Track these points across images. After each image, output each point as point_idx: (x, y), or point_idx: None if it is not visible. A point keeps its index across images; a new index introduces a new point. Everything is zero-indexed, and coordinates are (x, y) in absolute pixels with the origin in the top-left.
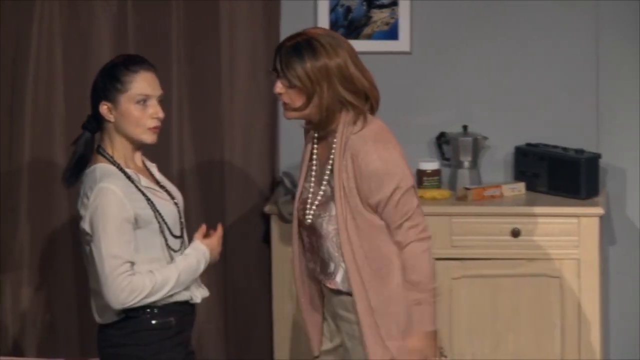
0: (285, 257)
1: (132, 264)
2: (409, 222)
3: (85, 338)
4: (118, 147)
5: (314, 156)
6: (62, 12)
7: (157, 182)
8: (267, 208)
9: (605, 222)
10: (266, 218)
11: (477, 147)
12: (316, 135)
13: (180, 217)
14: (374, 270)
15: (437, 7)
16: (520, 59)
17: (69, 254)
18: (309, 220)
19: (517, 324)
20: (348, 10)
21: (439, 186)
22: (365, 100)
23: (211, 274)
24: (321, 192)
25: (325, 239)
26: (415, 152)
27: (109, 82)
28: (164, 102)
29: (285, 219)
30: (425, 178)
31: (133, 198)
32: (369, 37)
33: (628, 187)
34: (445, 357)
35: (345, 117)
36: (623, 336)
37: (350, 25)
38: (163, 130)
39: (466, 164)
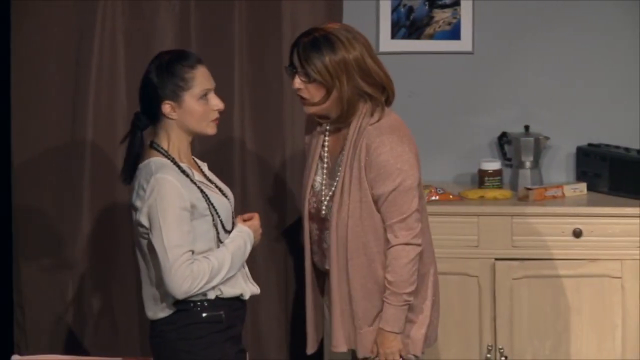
0: None
1: (193, 252)
2: (403, 223)
3: (146, 336)
4: (174, 142)
5: (325, 149)
6: (125, 11)
7: (208, 179)
8: None
9: None
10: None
11: (538, 147)
12: (327, 128)
13: (232, 213)
14: (367, 261)
15: (499, 6)
16: (582, 58)
17: (130, 252)
18: (324, 212)
19: (577, 325)
20: (410, 10)
21: (500, 186)
22: (382, 91)
23: (271, 273)
24: (335, 184)
25: None
26: (476, 152)
27: (169, 81)
28: (226, 101)
29: None
30: (486, 178)
31: (189, 189)
32: (431, 37)
33: None
34: (506, 357)
35: (362, 109)
36: None
37: (412, 25)
38: (225, 128)
39: (528, 164)
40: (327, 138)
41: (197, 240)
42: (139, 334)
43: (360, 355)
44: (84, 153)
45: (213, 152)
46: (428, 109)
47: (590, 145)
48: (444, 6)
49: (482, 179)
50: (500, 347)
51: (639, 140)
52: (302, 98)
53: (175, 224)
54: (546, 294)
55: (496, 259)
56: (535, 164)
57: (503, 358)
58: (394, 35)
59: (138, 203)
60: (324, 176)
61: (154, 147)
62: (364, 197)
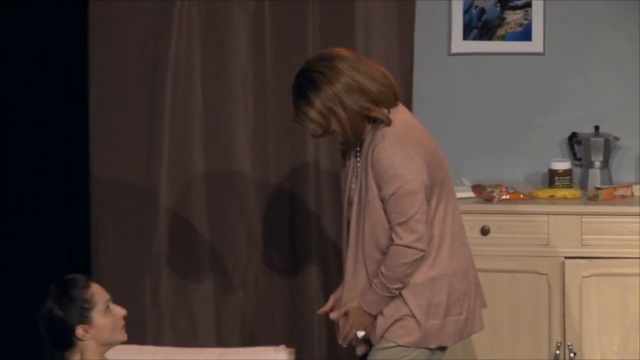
0: None
1: None
2: (405, 225)
3: (223, 331)
4: (92, 353)
5: (358, 159)
6: (201, 11)
7: None
8: None
9: None
10: None
11: (608, 148)
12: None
13: None
14: (380, 256)
15: (570, 7)
16: None
17: (207, 248)
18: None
19: None
20: (482, 11)
21: (570, 186)
22: (384, 98)
23: (331, 263)
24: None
25: None
26: (547, 152)
27: (73, 307)
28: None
29: None
30: (556, 178)
31: None
32: (503, 38)
33: None
34: (574, 354)
35: (372, 123)
36: None
37: (484, 26)
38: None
39: (597, 164)
40: (358, 155)
41: None
42: (214, 328)
43: (373, 341)
44: (161, 151)
45: (287, 144)
46: (499, 109)
47: None
48: (516, 7)
49: (552, 178)
50: (569, 343)
51: None
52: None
53: None
54: (615, 292)
55: (566, 258)
56: (605, 164)
57: (572, 354)
58: (465, 37)
59: None
60: (354, 177)
61: None
62: (374, 198)
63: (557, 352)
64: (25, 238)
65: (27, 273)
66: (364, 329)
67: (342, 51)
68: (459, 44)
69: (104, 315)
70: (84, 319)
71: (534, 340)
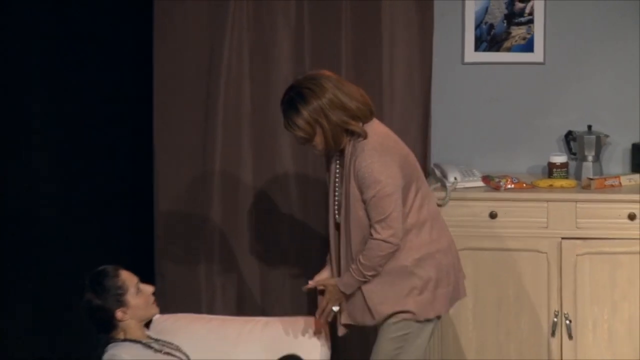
0: None
1: None
2: (383, 222)
3: (267, 302)
4: (130, 335)
5: (337, 167)
6: (250, 25)
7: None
8: None
9: None
10: None
11: (599, 144)
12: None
13: None
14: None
15: (567, 24)
16: (636, 68)
17: (253, 230)
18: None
19: (632, 295)
20: (491, 27)
21: (566, 177)
22: (362, 114)
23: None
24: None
25: None
26: (546, 148)
27: (109, 294)
28: None
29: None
30: (555, 170)
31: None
32: (509, 49)
33: None
34: (570, 321)
35: (347, 137)
36: None
37: (492, 39)
38: None
39: (590, 158)
40: (338, 160)
41: None
42: (260, 302)
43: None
44: (214, 148)
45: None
46: (505, 111)
47: None
48: (520, 23)
49: (551, 170)
50: (566, 312)
51: None
52: (312, 147)
53: None
54: (605, 268)
55: (562, 238)
56: (597, 157)
57: (568, 322)
58: (477, 48)
59: None
60: (338, 182)
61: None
62: (357, 201)
63: (555, 319)
64: (98, 228)
65: (98, 257)
66: (338, 305)
67: (327, 73)
68: (471, 55)
69: (137, 295)
70: (121, 303)
71: (535, 309)
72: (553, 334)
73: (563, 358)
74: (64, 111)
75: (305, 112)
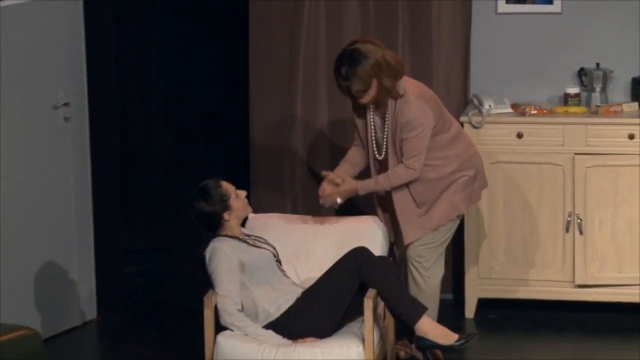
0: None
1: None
2: (416, 158)
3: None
4: (230, 232)
5: (372, 117)
6: (324, 11)
7: (254, 238)
8: (462, 118)
9: None
10: (460, 125)
11: (605, 78)
12: (371, 106)
13: (275, 258)
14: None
15: None
16: (637, 15)
17: (327, 155)
18: (383, 155)
19: (631, 199)
20: None
21: (579, 104)
22: (399, 72)
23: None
24: (384, 137)
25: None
26: (563, 81)
27: (217, 201)
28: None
29: (473, 126)
30: (569, 98)
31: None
32: (533, 2)
33: None
34: (581, 220)
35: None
36: None
37: None
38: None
39: (598, 89)
40: (371, 111)
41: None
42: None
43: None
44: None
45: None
46: (530, 52)
47: None
48: None
49: (566, 99)
50: (577, 213)
51: None
52: (358, 97)
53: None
54: (609, 178)
55: (575, 154)
56: (603, 89)
57: (579, 220)
58: (507, 2)
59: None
60: (377, 133)
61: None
62: (400, 141)
63: (569, 219)
64: (204, 169)
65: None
66: (342, 200)
67: (372, 39)
68: (503, 7)
69: (236, 199)
70: (226, 207)
71: (552, 211)
72: (567, 230)
73: (575, 249)
74: (176, 61)
75: (367, 66)
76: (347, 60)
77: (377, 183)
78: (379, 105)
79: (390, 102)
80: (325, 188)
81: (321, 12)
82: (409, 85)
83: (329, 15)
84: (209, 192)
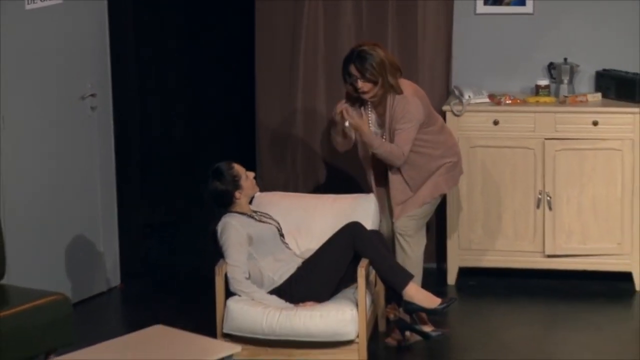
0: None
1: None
2: (405, 147)
3: (335, 188)
4: (239, 209)
5: (370, 113)
6: (321, 11)
7: (261, 214)
8: (445, 107)
9: None
10: (443, 113)
11: (572, 71)
12: (370, 102)
13: (279, 232)
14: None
15: None
16: (601, 15)
17: (325, 143)
18: None
19: (594, 179)
20: None
21: (548, 95)
22: (399, 73)
23: None
24: (380, 132)
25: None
26: (534, 74)
27: (229, 181)
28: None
29: (454, 114)
30: (540, 89)
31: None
32: (508, 4)
33: None
34: (550, 197)
35: (391, 91)
36: None
37: None
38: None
39: (565, 81)
40: (370, 107)
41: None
42: (331, 184)
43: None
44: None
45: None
46: (506, 47)
47: (604, 70)
48: None
49: (537, 90)
50: (547, 191)
51: (634, 67)
52: (363, 93)
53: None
54: (575, 160)
55: (545, 139)
56: (570, 81)
57: (548, 198)
58: (485, 3)
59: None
60: (374, 127)
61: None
62: (393, 132)
63: (539, 196)
64: (216, 153)
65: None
66: (351, 127)
67: (376, 43)
68: (482, 8)
69: (246, 180)
70: (238, 187)
71: (525, 189)
72: (538, 206)
73: (545, 223)
74: (190, 56)
75: (375, 63)
76: (357, 58)
77: (380, 142)
78: (379, 101)
79: (388, 98)
80: (345, 107)
81: (319, 11)
82: (404, 84)
83: (327, 15)
84: (222, 173)
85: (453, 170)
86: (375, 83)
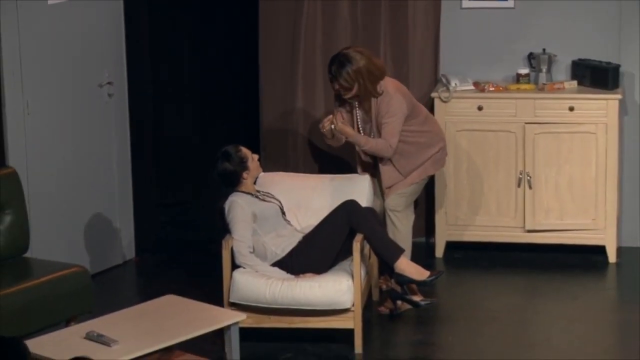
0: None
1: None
2: (393, 139)
3: (330, 168)
4: (245, 189)
5: (357, 110)
6: (319, 11)
7: (264, 194)
8: (433, 94)
9: (622, 103)
10: (432, 100)
11: (550, 61)
12: (356, 101)
13: (281, 210)
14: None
15: None
16: (577, 9)
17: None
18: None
19: (571, 160)
20: None
21: (528, 82)
22: (380, 77)
23: None
24: (367, 126)
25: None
26: (515, 64)
27: (238, 163)
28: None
29: (442, 100)
30: (521, 77)
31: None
32: None
33: (636, 84)
34: (530, 177)
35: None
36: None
37: None
38: (375, 40)
39: (544, 70)
40: (356, 105)
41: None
42: (329, 165)
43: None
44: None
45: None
46: (490, 38)
47: (580, 59)
48: None
49: (518, 78)
50: (527, 171)
51: (607, 56)
52: (343, 94)
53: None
54: (553, 142)
55: (525, 123)
56: (549, 70)
57: (528, 177)
58: None
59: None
60: (361, 123)
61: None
62: (379, 126)
63: (520, 176)
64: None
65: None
66: (335, 131)
67: (361, 49)
68: (467, 3)
69: (252, 162)
70: (245, 168)
71: (507, 170)
72: (519, 185)
73: (525, 201)
74: (201, 49)
75: (350, 71)
76: (337, 62)
77: (366, 140)
78: (363, 100)
79: (375, 98)
80: (330, 118)
81: (318, 11)
82: (387, 83)
83: (325, 14)
84: (230, 155)
85: (440, 154)
86: (351, 86)
